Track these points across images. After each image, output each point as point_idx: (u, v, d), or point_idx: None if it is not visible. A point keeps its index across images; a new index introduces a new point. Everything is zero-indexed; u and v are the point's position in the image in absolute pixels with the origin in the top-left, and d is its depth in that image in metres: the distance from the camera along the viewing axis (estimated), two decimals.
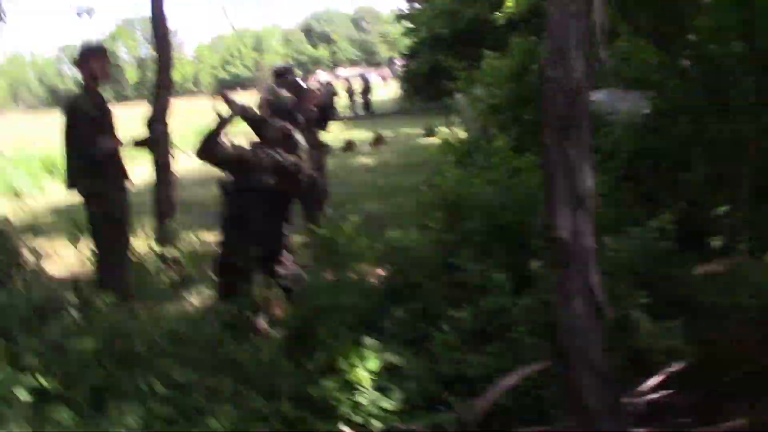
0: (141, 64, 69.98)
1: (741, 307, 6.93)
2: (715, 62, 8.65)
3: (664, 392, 4.90)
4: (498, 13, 25.91)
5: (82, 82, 5.58)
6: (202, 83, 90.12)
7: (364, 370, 4.37)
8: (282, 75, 6.66)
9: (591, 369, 2.49)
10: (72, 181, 5.47)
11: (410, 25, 31.47)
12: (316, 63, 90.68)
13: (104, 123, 5.47)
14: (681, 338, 5.57)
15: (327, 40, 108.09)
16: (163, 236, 6.64)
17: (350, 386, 4.40)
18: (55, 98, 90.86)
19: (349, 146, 13.20)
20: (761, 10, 7.55)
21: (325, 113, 6.88)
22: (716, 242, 7.48)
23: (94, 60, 5.60)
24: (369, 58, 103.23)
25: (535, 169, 6.20)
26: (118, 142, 5.53)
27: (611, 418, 2.51)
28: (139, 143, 5.82)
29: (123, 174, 5.56)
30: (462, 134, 10.18)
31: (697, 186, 7.80)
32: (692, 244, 7.59)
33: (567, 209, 2.43)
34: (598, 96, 9.38)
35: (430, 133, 13.13)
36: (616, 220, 6.39)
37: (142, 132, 6.18)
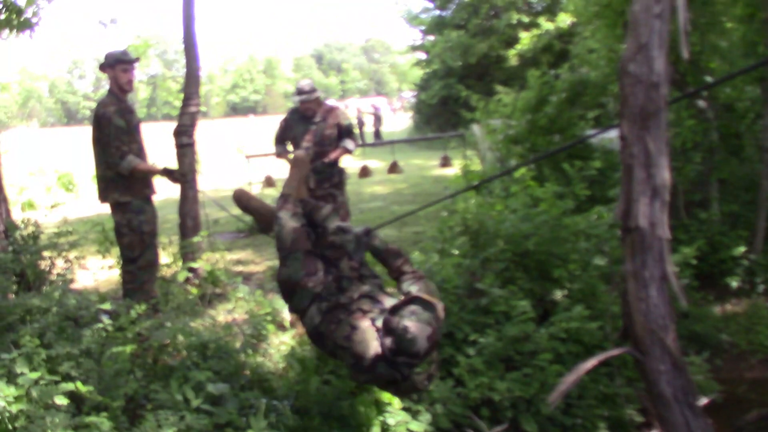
0: (152, 81, 70.57)
1: (760, 348, 7.02)
2: (729, 105, 8.82)
3: None
4: (511, 50, 26.42)
5: (109, 89, 5.62)
6: (211, 105, 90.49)
7: None
8: (309, 92, 6.71)
9: (667, 356, 2.56)
10: (103, 194, 5.54)
11: (423, 56, 31.82)
12: (326, 91, 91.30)
13: (131, 133, 5.49)
14: (704, 374, 5.65)
15: (337, 68, 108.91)
16: (187, 252, 6.69)
17: (379, 406, 4.45)
18: (66, 114, 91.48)
19: (365, 172, 13.25)
20: None
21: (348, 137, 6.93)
22: (733, 282, 7.59)
23: (120, 66, 5.55)
24: (378, 88, 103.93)
25: (553, 199, 6.29)
26: (145, 156, 5.57)
27: (685, 405, 2.58)
28: (168, 173, 5.67)
29: (149, 186, 5.60)
30: (478, 165, 10.30)
31: (714, 225, 7.90)
32: (710, 282, 7.71)
33: (646, 199, 2.53)
34: (613, 134, 9.51)
35: (445, 163, 13.22)
36: None
37: (172, 164, 6.17)
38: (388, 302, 3.53)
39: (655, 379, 2.62)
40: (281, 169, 10.11)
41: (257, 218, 4.66)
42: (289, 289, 3.75)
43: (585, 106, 9.23)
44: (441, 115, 28.84)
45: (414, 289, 3.60)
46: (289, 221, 3.89)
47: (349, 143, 6.74)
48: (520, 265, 5.93)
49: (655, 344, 2.59)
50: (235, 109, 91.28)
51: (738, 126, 8.87)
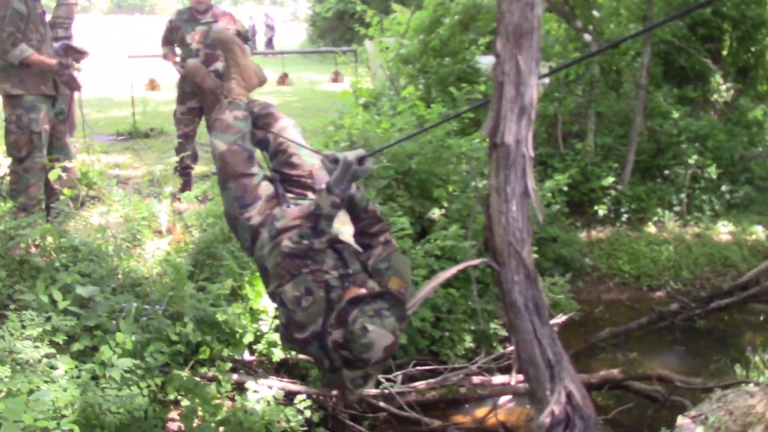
0: None
1: (618, 272, 7.53)
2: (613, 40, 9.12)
3: None
4: None
5: None
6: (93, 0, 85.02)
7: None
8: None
9: (522, 267, 2.71)
10: None
11: None
12: None
13: (33, 22, 5.02)
14: (566, 294, 6.03)
15: None
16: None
17: (254, 314, 4.49)
18: None
19: None
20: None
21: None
22: (601, 210, 8.03)
23: None
24: None
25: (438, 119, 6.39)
26: (48, 50, 5.13)
27: (534, 313, 2.76)
28: (63, 68, 5.20)
29: (47, 83, 5.18)
30: (368, 82, 10.24)
31: (588, 156, 8.26)
32: (580, 209, 8.12)
33: (513, 117, 2.61)
34: None
35: (336, 78, 13.05)
36: None
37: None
38: (353, 267, 2.88)
39: (510, 289, 2.77)
40: (167, 72, 9.73)
41: (207, 104, 3.99)
42: (230, 224, 3.17)
43: (477, 31, 9.29)
44: (335, 29, 28.34)
45: (383, 267, 2.91)
46: (218, 142, 3.11)
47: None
48: (402, 183, 6.04)
49: (512, 256, 2.72)
50: (121, 6, 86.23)
51: (618, 62, 9.21)
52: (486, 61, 9.26)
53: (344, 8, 26.94)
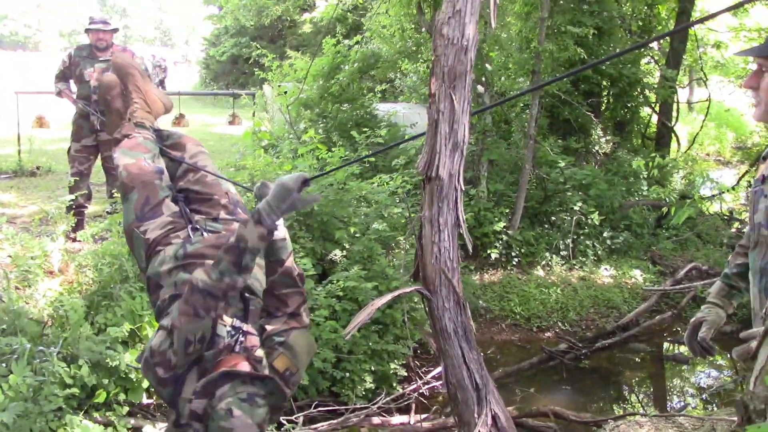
0: None
1: (510, 313, 7.79)
2: (503, 92, 9.58)
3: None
4: (306, 17, 26.44)
5: None
6: None
7: None
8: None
9: (452, 294, 2.82)
10: None
11: (216, 11, 30.87)
12: None
13: None
14: None
15: (122, 12, 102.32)
16: None
17: None
18: None
19: None
20: (545, 53, 8.52)
21: None
22: (493, 254, 8.32)
23: None
24: (164, 38, 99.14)
25: (339, 163, 6.50)
26: None
27: (463, 339, 2.88)
28: None
29: None
30: (267, 125, 10.28)
31: (481, 201, 8.58)
32: (474, 253, 8.39)
33: (447, 152, 2.75)
34: (398, 108, 9.97)
35: (233, 120, 12.98)
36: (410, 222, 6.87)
37: None
38: (251, 326, 2.52)
39: (440, 316, 2.90)
40: (56, 109, 9.42)
41: (110, 124, 3.35)
42: (127, 239, 2.83)
43: (375, 79, 9.56)
44: (230, 73, 28.29)
45: (277, 341, 2.50)
46: (125, 156, 2.88)
47: None
48: (304, 225, 6.09)
49: (443, 284, 2.86)
50: (2, 43, 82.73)
51: (508, 113, 9.67)
52: (384, 108, 9.53)
53: (238, 53, 27.04)
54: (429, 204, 2.87)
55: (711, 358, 3.46)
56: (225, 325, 2.42)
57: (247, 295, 2.54)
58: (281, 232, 2.54)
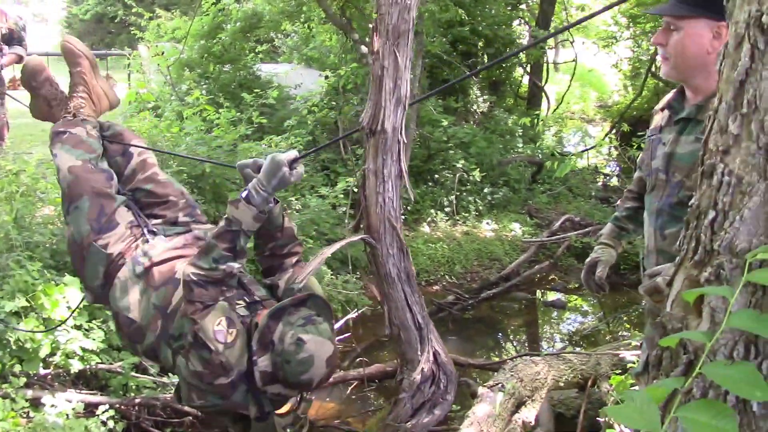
0: None
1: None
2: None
3: (342, 336, 5.58)
4: None
5: None
6: None
7: (66, 309, 4.26)
8: None
9: (396, 241, 2.93)
10: None
11: None
12: None
13: None
14: (358, 291, 6.34)
15: None
16: None
17: (51, 326, 4.25)
18: None
19: (16, 84, 11.89)
20: (426, 14, 8.70)
21: None
22: None
23: None
24: None
25: (228, 125, 6.45)
26: None
27: (405, 283, 3.00)
28: None
29: None
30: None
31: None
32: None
33: (391, 106, 2.84)
34: (284, 68, 9.89)
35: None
36: (303, 183, 6.94)
37: None
38: (259, 293, 2.51)
39: (384, 262, 3.03)
40: None
41: (36, 111, 3.04)
42: (75, 254, 2.63)
43: (257, 39, 9.42)
44: (94, 32, 26.85)
45: (297, 288, 2.53)
46: (68, 156, 2.66)
47: (20, 49, 6.12)
48: (196, 187, 6.01)
49: (387, 232, 2.98)
50: None
51: None
52: (266, 69, 9.42)
53: (103, 11, 25.68)
54: (374, 156, 2.98)
55: (600, 295, 3.78)
56: (241, 306, 2.40)
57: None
58: (276, 208, 2.52)
